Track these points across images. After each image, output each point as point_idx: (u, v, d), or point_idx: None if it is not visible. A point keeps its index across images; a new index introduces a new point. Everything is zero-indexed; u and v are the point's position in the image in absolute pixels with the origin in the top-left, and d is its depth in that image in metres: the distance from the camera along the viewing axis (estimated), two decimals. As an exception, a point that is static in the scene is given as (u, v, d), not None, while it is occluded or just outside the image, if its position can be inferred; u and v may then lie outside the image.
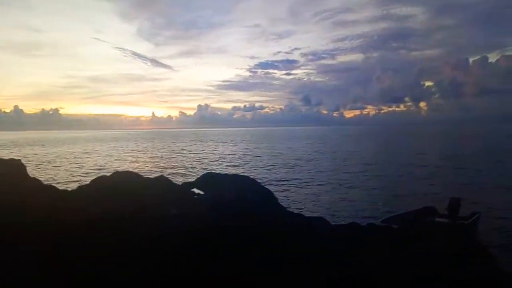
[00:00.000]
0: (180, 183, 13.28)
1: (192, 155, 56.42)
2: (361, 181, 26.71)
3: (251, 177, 14.64)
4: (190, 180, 15.79)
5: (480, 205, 16.94)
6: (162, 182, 11.49)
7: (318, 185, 25.53)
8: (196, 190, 12.03)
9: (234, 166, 39.22)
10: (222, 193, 10.99)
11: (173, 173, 32.78)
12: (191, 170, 35.75)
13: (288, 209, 15.39)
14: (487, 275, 6.30)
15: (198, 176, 13.23)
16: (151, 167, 38.66)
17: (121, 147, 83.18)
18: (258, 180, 14.17)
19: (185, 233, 7.20)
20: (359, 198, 20.59)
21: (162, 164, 42.15)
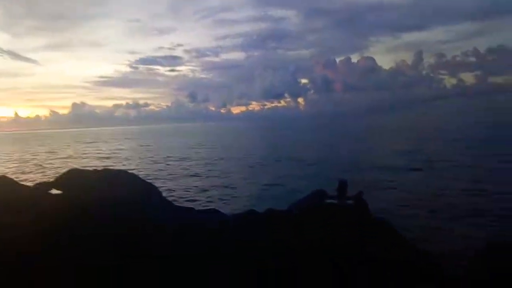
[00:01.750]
0: (33, 184, 10.45)
1: (61, 156, 49.40)
2: (249, 174, 26.49)
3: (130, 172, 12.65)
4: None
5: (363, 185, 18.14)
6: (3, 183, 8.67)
7: (207, 177, 24.39)
8: (54, 191, 9.53)
9: (114, 162, 35.35)
10: (90, 191, 8.83)
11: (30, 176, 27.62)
12: (53, 170, 30.78)
13: (175, 203, 13.88)
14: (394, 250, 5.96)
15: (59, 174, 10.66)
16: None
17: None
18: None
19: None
20: (247, 190, 20.00)
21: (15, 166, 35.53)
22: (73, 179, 9.84)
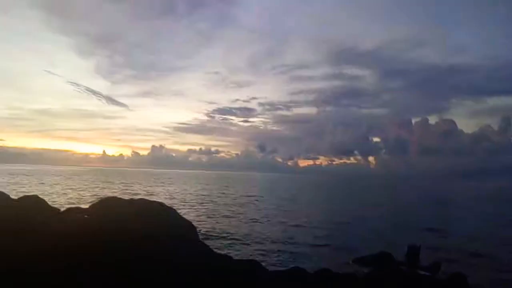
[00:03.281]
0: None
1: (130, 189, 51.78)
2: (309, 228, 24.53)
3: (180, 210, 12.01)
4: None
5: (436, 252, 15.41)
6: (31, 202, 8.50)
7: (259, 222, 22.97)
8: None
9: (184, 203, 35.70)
10: (117, 220, 8.22)
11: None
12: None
13: (214, 250, 12.75)
14: None
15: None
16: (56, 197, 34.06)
17: (63, 182, 75.75)
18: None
19: None
20: (302, 243, 18.08)
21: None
22: (106, 207, 9.41)
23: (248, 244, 15.98)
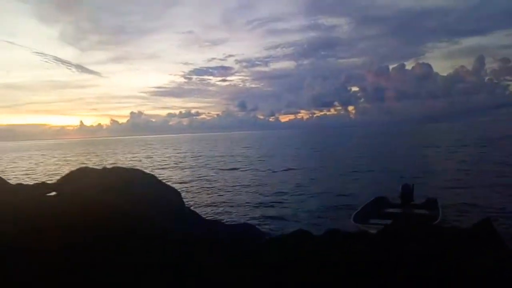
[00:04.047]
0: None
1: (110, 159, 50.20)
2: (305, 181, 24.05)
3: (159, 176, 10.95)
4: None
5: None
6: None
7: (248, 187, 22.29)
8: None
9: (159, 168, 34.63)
10: (91, 193, 7.12)
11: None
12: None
13: (207, 217, 11.94)
14: None
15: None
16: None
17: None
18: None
19: None
20: (293, 204, 17.44)
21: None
22: (76, 180, 8.23)
23: (237, 211, 15.12)
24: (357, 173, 25.86)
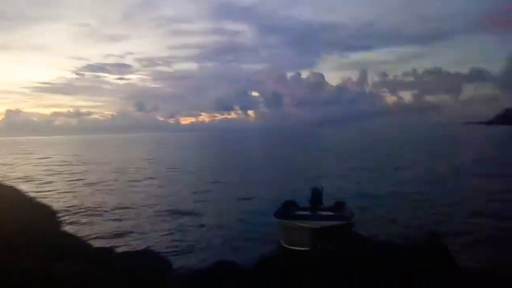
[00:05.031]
0: None
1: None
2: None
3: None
4: None
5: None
6: None
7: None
8: None
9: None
10: None
11: None
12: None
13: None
14: None
15: None
16: None
17: None
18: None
19: None
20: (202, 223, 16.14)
21: None
22: None
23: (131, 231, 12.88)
24: (260, 176, 25.63)
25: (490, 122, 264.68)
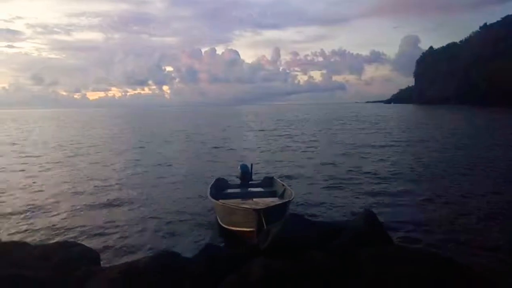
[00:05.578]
0: None
1: None
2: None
3: None
4: None
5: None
6: None
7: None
8: None
9: None
10: None
11: None
12: None
13: None
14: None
15: None
16: None
17: None
18: None
19: None
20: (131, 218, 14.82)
21: None
22: None
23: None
24: (182, 155, 24.74)
25: (388, 101, 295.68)
